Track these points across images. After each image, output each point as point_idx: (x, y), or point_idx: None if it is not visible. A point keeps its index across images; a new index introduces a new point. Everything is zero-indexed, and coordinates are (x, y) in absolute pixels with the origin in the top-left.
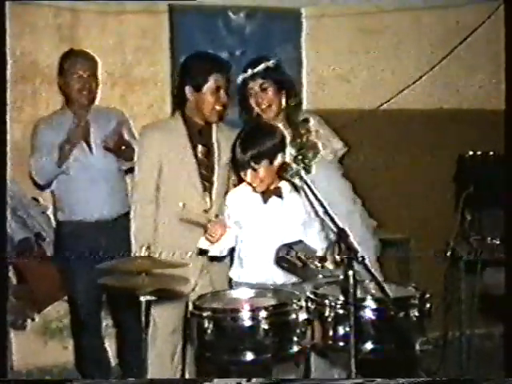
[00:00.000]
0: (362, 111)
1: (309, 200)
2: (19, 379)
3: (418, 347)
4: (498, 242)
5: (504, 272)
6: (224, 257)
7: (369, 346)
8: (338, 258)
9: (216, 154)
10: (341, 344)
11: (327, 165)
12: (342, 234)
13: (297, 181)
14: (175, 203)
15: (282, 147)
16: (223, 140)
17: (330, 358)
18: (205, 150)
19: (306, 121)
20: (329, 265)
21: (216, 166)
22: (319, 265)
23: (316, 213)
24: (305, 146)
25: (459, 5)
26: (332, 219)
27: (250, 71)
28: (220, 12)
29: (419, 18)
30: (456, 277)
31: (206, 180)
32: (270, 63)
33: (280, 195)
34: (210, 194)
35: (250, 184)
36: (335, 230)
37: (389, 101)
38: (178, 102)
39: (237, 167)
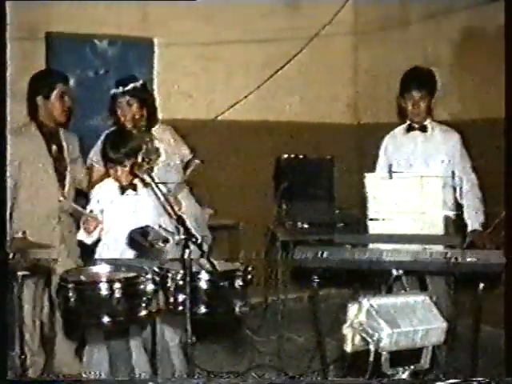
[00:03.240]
0: (202, 121)
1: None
2: (19, 379)
3: (237, 310)
4: (306, 226)
5: None
6: None
7: (202, 309)
8: (177, 239)
9: (66, 152)
10: (180, 308)
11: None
12: (179, 221)
13: (147, 177)
14: (35, 195)
15: (140, 149)
16: (69, 141)
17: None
18: (57, 148)
19: (150, 131)
20: (171, 245)
21: (68, 161)
22: (163, 245)
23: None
24: (149, 150)
25: (281, 39)
26: (172, 208)
27: (121, 88)
28: (87, 39)
29: (247, 48)
30: (275, 254)
31: (60, 173)
32: (138, 84)
33: (135, 189)
34: (64, 184)
35: (116, 179)
36: (175, 216)
37: (223, 113)
38: (30, 111)
39: (109, 163)
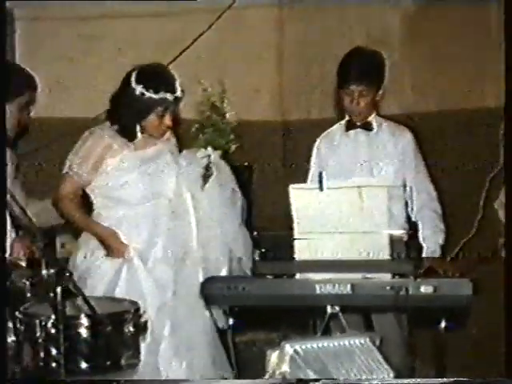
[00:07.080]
0: (85, 120)
1: None
2: (20, 379)
3: (123, 362)
4: None
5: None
6: None
7: (83, 365)
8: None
9: None
10: (53, 365)
11: None
12: (46, 248)
13: None
14: None
15: None
16: None
17: None
18: None
19: None
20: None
21: None
22: (27, 282)
23: None
24: None
25: (184, 12)
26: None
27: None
28: None
29: (139, 25)
30: None
31: None
32: None
33: None
34: None
35: None
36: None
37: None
38: None
39: None
